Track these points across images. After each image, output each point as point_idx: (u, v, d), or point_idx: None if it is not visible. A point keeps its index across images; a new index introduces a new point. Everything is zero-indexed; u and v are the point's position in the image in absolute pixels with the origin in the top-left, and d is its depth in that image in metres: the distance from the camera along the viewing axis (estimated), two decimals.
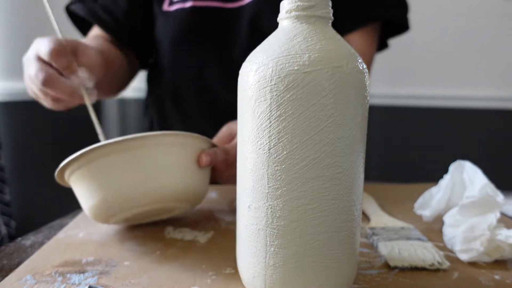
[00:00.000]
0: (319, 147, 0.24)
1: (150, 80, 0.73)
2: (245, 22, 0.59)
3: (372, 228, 0.41)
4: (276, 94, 0.24)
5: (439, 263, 0.33)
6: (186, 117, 0.66)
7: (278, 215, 0.25)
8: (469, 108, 1.34)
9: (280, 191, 0.25)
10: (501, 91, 1.32)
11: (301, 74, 0.23)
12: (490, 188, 0.38)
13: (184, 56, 0.62)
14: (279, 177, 0.25)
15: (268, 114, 0.24)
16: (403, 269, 0.33)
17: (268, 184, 0.25)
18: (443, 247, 0.38)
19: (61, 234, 0.40)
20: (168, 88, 0.67)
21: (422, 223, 0.44)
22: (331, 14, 0.26)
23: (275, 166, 0.25)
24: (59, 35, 0.41)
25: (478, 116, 1.34)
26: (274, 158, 0.25)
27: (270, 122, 0.24)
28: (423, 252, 0.35)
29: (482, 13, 1.29)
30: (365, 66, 0.26)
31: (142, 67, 0.74)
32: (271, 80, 0.24)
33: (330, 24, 0.27)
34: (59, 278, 0.31)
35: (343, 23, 0.59)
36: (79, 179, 0.36)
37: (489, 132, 1.34)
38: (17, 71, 1.19)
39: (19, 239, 0.39)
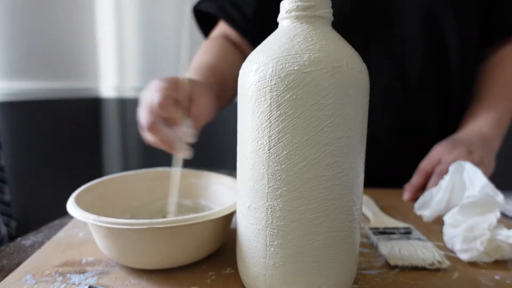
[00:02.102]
0: (319, 147, 0.24)
1: None
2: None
3: (372, 229, 0.41)
4: (276, 94, 0.24)
5: (439, 262, 0.33)
6: None
7: (278, 215, 0.25)
8: None
9: (280, 191, 0.25)
10: None
11: (301, 74, 0.23)
12: (490, 188, 0.38)
13: None
14: (279, 177, 0.25)
15: (268, 114, 0.24)
16: (403, 269, 0.33)
17: (268, 184, 0.25)
18: (443, 247, 0.38)
19: (61, 234, 0.40)
20: None
21: (422, 224, 0.44)
22: (331, 14, 0.26)
23: (275, 166, 0.25)
24: (184, 73, 0.41)
25: None
26: (274, 158, 0.25)
27: (270, 122, 0.24)
28: (423, 252, 0.35)
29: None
30: (365, 66, 0.26)
31: None
32: (271, 80, 0.24)
33: (330, 24, 0.27)
34: (59, 278, 0.31)
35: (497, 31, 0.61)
36: (98, 230, 0.32)
37: None
38: (17, 71, 1.20)
39: (19, 239, 0.39)
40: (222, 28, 0.66)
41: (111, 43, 1.37)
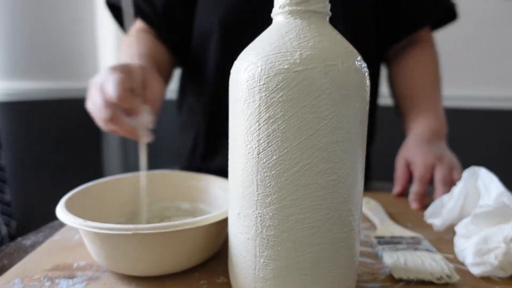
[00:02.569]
0: (312, 152, 0.22)
1: (187, 81, 0.69)
2: None
3: (378, 237, 0.38)
4: (265, 95, 0.22)
5: (448, 276, 0.31)
6: None
7: (267, 224, 0.23)
8: (469, 108, 1.31)
9: (269, 198, 0.23)
10: (501, 91, 1.30)
11: (292, 73, 0.22)
12: (507, 197, 0.35)
13: (237, 44, 0.57)
14: (268, 184, 0.23)
15: (257, 116, 0.23)
16: (408, 282, 0.31)
17: (257, 191, 0.23)
18: (453, 259, 0.35)
19: (57, 236, 0.39)
20: (212, 87, 0.62)
21: (433, 233, 0.41)
22: (328, 9, 0.25)
23: (265, 172, 0.23)
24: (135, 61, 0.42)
25: (478, 116, 1.31)
26: (264, 163, 0.23)
27: (259, 124, 0.23)
28: (431, 264, 0.33)
29: (482, 13, 1.26)
30: (364, 65, 0.24)
31: (178, 64, 0.70)
32: (260, 79, 0.22)
33: (326, 20, 0.25)
34: (47, 283, 0.30)
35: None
36: (86, 235, 0.31)
37: (489, 132, 1.31)
38: (17, 71, 1.20)
39: (19, 239, 0.39)
40: (140, 22, 0.65)
41: (111, 43, 1.38)
